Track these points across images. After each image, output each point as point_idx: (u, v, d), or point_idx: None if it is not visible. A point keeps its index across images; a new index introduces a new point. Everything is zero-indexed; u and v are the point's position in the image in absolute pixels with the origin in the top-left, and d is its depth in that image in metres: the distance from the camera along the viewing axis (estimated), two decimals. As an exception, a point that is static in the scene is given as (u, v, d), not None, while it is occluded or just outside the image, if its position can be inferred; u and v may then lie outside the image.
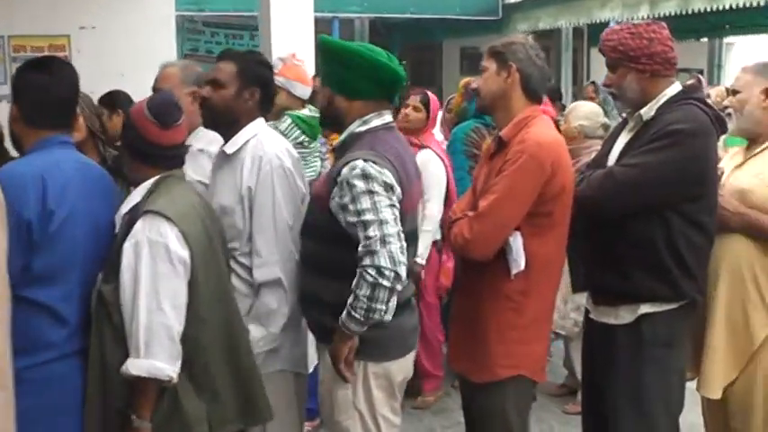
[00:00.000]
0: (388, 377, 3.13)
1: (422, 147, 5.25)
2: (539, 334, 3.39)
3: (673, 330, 3.36)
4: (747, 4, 10.02)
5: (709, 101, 3.65)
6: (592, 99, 10.01)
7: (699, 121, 3.31)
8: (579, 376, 4.26)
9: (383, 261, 2.79)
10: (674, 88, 3.43)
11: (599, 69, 15.86)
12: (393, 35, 17.52)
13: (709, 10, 10.51)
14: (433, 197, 5.19)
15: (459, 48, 18.36)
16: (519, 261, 3.20)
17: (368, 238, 2.81)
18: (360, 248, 2.83)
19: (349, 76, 3.10)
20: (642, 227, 3.31)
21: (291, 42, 6.18)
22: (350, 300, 2.85)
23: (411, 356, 3.26)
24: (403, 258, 2.83)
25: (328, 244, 3.03)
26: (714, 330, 3.52)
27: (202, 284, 2.80)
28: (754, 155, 3.59)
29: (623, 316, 3.38)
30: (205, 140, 3.57)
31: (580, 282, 3.67)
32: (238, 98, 3.26)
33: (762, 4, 9.91)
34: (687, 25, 14.45)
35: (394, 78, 3.14)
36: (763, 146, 3.57)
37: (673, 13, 11.07)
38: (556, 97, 7.43)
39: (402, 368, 3.19)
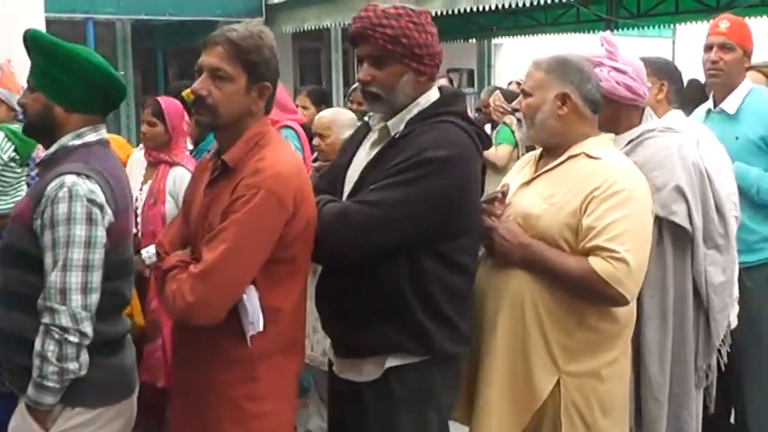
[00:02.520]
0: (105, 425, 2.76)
1: (173, 164, 4.66)
2: (284, 403, 2.86)
3: (429, 385, 2.89)
4: (513, 5, 9.71)
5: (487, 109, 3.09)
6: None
7: (457, 146, 2.78)
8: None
9: (65, 321, 2.56)
10: (431, 96, 2.88)
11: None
12: (156, 39, 16.53)
13: (474, 10, 10.22)
14: None
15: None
16: (256, 322, 2.66)
17: (49, 285, 2.58)
18: (39, 300, 2.59)
19: (72, 83, 2.74)
20: (387, 269, 2.80)
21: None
22: (36, 366, 2.57)
23: (134, 399, 2.91)
24: (86, 314, 2.59)
25: (32, 272, 2.65)
26: (489, 383, 2.99)
27: None
28: (548, 170, 3.03)
29: (369, 371, 2.89)
30: None
31: None
32: None
33: (526, 5, 9.59)
34: (455, 26, 14.40)
35: (118, 90, 2.83)
36: (559, 160, 3.00)
37: (440, 13, 10.76)
38: (321, 100, 6.82)
39: (123, 413, 2.84)
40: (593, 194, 2.89)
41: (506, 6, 9.79)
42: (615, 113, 3.30)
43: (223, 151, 2.74)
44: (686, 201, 3.22)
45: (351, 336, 2.93)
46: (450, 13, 10.63)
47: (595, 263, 2.83)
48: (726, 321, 3.45)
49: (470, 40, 17.73)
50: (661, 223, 3.22)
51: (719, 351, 3.50)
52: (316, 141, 4.96)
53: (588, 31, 15.49)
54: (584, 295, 2.91)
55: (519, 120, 3.20)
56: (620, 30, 14.30)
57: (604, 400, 3.00)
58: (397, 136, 2.86)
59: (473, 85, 19.11)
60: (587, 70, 3.08)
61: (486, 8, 10.09)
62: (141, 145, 5.01)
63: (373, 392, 2.87)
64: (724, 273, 3.36)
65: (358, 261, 2.79)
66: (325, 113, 5.16)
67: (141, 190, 4.73)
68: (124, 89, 2.83)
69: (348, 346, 2.97)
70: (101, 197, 2.63)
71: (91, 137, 2.77)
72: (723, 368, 3.56)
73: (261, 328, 2.67)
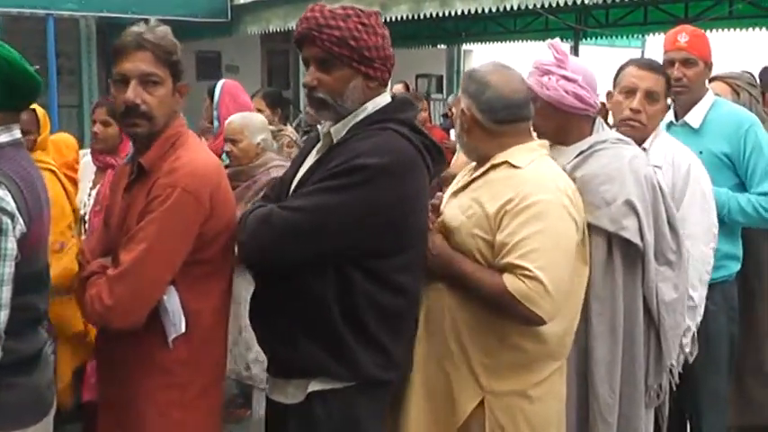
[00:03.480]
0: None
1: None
2: (212, 409, 2.83)
3: (354, 412, 2.73)
4: (479, 10, 9.60)
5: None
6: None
7: (396, 155, 2.60)
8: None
9: None
10: (379, 102, 2.72)
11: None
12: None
13: (441, 15, 10.05)
14: None
15: (194, 52, 17.36)
16: (178, 324, 2.63)
17: None
18: None
19: None
20: (313, 284, 2.64)
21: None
22: None
23: (50, 418, 2.69)
24: None
25: None
26: (411, 399, 2.94)
27: None
28: (472, 180, 2.93)
29: (293, 393, 2.74)
30: None
31: None
32: None
33: (492, 11, 9.49)
34: (423, 31, 14.30)
35: (32, 86, 2.59)
36: (482, 169, 2.90)
37: (406, 17, 10.67)
38: (276, 102, 6.70)
39: None
40: (506, 207, 2.78)
41: (473, 12, 9.64)
42: (564, 123, 3.19)
43: (139, 154, 2.65)
44: (637, 215, 3.09)
45: (278, 354, 2.80)
46: (416, 17, 10.48)
47: (508, 280, 2.72)
48: (678, 340, 3.33)
49: (440, 46, 17.67)
50: (611, 239, 3.10)
51: (671, 371, 3.38)
52: (227, 147, 4.82)
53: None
54: (500, 313, 2.80)
55: None
56: (588, 39, 14.33)
57: (534, 420, 2.89)
58: (337, 142, 2.71)
59: (442, 91, 19.05)
60: (488, 80, 2.93)
61: (453, 13, 9.94)
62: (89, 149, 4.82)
63: (297, 417, 2.73)
64: (676, 290, 3.24)
65: (279, 268, 2.66)
66: (235, 118, 4.98)
67: (90, 195, 4.56)
68: (39, 85, 2.62)
69: (276, 366, 2.84)
70: (11, 205, 2.38)
71: (2, 137, 2.55)
72: (675, 387, 3.44)
73: (183, 330, 2.62)
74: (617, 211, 3.06)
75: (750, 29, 13.17)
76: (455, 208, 2.93)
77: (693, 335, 3.56)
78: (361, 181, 2.55)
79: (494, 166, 2.90)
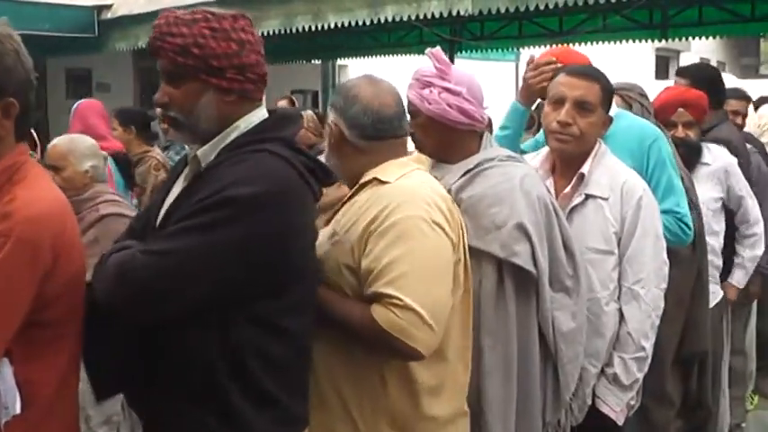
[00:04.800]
0: None
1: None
2: None
3: None
4: (352, 23, 9.38)
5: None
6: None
7: (272, 181, 2.23)
8: None
9: None
10: (253, 120, 2.34)
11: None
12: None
13: (313, 28, 9.77)
14: None
15: (64, 69, 16.66)
16: (11, 405, 2.11)
17: None
18: None
19: None
20: (196, 337, 2.24)
21: None
22: None
23: None
24: None
25: None
26: None
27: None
28: (344, 203, 2.59)
29: None
30: None
31: (106, 389, 2.55)
32: None
33: (366, 23, 9.37)
34: (296, 46, 13.99)
35: None
36: (352, 191, 2.58)
37: (277, 32, 10.33)
38: (129, 120, 6.38)
39: None
40: (370, 229, 2.46)
41: (346, 24, 9.38)
42: (448, 140, 2.91)
43: None
44: (529, 240, 2.83)
45: (155, 420, 2.40)
46: (288, 31, 10.15)
47: (377, 312, 2.40)
48: (577, 372, 3.08)
49: (314, 61, 17.37)
50: (501, 265, 2.82)
51: (570, 406, 3.13)
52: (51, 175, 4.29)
53: (432, 53, 15.38)
54: (374, 349, 2.48)
55: None
56: (463, 52, 14.24)
57: None
58: (205, 167, 2.33)
59: (318, 107, 18.75)
60: (356, 93, 2.64)
61: (326, 26, 9.65)
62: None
63: None
64: (574, 318, 2.99)
65: (147, 322, 2.25)
66: (60, 141, 4.35)
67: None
68: None
69: (156, 425, 2.42)
70: None
71: None
72: (574, 422, 3.20)
73: (17, 411, 2.12)
74: (508, 236, 2.79)
75: (624, 41, 13.31)
76: (323, 235, 2.60)
77: (639, 387, 3.35)
78: (231, 216, 2.17)
79: (362, 186, 2.59)
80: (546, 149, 3.45)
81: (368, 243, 2.45)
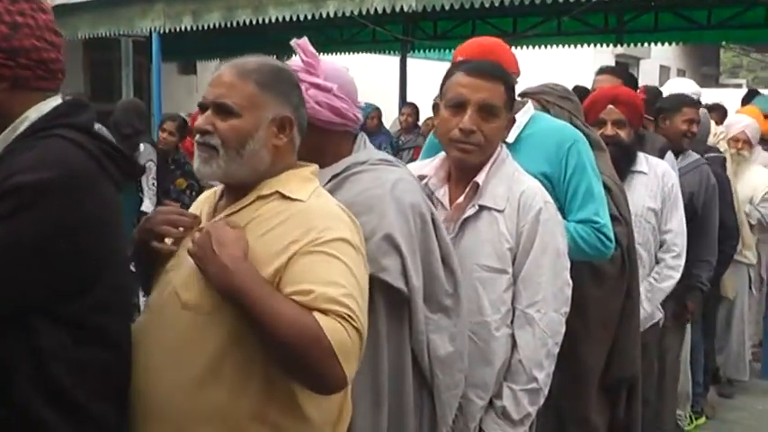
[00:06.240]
0: None
1: None
2: None
3: None
4: (293, 18, 9.07)
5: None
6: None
7: (64, 166, 2.01)
8: None
9: None
10: (43, 109, 2.14)
11: (170, 83, 15.07)
12: None
13: (254, 22, 9.44)
14: None
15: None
16: None
17: None
18: None
19: None
20: None
21: None
22: None
23: None
24: None
25: None
26: None
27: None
28: (232, 213, 2.25)
29: None
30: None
31: None
32: None
33: (309, 17, 9.00)
34: (238, 42, 13.64)
35: None
36: (244, 201, 2.27)
37: (218, 26, 9.96)
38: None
39: None
40: (295, 248, 2.12)
41: (286, 19, 9.02)
42: (319, 142, 2.57)
43: None
44: (400, 253, 2.49)
45: None
46: (229, 25, 9.80)
47: (327, 323, 2.00)
48: (456, 402, 2.75)
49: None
50: (372, 282, 2.45)
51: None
52: None
53: (385, 52, 15.14)
54: (288, 367, 2.10)
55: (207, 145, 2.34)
56: (417, 52, 14.00)
57: None
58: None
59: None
60: (300, 85, 2.38)
61: (267, 20, 9.31)
62: None
63: None
64: (453, 342, 2.66)
65: None
66: None
67: None
68: None
69: None
70: None
71: None
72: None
73: None
74: (376, 249, 2.44)
75: (578, 45, 13.13)
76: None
77: (533, 423, 3.00)
78: (20, 205, 1.94)
79: (261, 198, 2.25)
80: (442, 155, 3.10)
81: (297, 263, 2.11)
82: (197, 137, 2.28)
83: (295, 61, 2.63)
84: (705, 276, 5.36)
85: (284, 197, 2.24)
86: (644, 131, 5.07)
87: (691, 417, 6.07)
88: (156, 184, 7.77)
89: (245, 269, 2.07)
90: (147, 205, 7.55)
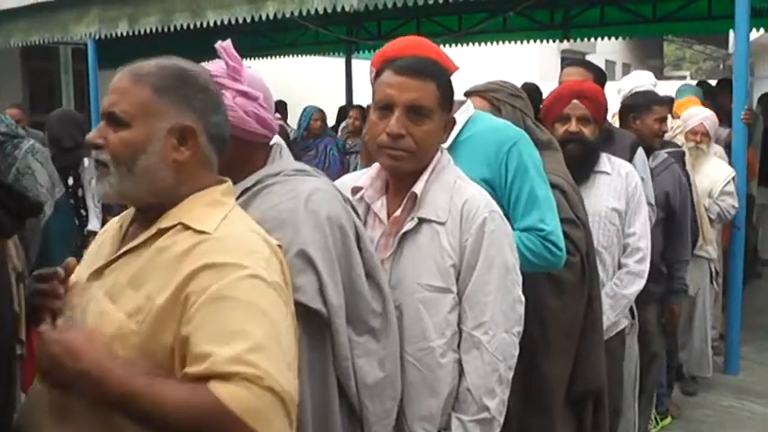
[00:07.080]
0: None
1: None
2: None
3: None
4: (232, 21, 8.80)
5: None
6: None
7: None
8: None
9: None
10: None
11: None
12: None
13: (192, 26, 9.15)
14: None
15: None
16: None
17: None
18: None
19: None
20: None
21: None
22: None
23: None
24: None
25: None
26: None
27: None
28: (129, 251, 2.01)
29: None
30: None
31: None
32: None
33: (248, 20, 8.73)
34: (177, 48, 13.37)
35: None
36: (144, 236, 2.01)
37: (155, 30, 9.67)
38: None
39: None
40: (195, 301, 1.84)
41: (224, 23, 8.72)
42: (241, 154, 2.34)
43: None
44: (315, 270, 2.23)
45: None
46: (167, 29, 9.49)
47: (223, 391, 1.74)
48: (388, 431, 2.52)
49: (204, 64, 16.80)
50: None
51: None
52: None
53: (329, 54, 14.90)
54: None
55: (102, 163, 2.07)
56: (362, 52, 13.80)
57: None
58: None
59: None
60: (214, 90, 2.11)
61: (204, 24, 9.04)
62: None
63: None
64: (382, 367, 2.40)
65: None
66: None
67: None
68: None
69: None
70: None
71: None
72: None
73: None
74: (289, 268, 2.17)
75: (526, 42, 13.04)
76: (104, 300, 1.95)
77: None
78: None
79: (161, 231, 1.97)
80: (378, 164, 2.82)
81: (195, 315, 1.83)
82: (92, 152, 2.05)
83: (216, 66, 2.39)
84: (687, 277, 5.25)
85: (187, 228, 1.95)
86: (612, 127, 4.90)
87: (656, 418, 5.90)
88: (101, 201, 7.43)
89: (110, 369, 1.78)
90: (95, 224, 7.05)
